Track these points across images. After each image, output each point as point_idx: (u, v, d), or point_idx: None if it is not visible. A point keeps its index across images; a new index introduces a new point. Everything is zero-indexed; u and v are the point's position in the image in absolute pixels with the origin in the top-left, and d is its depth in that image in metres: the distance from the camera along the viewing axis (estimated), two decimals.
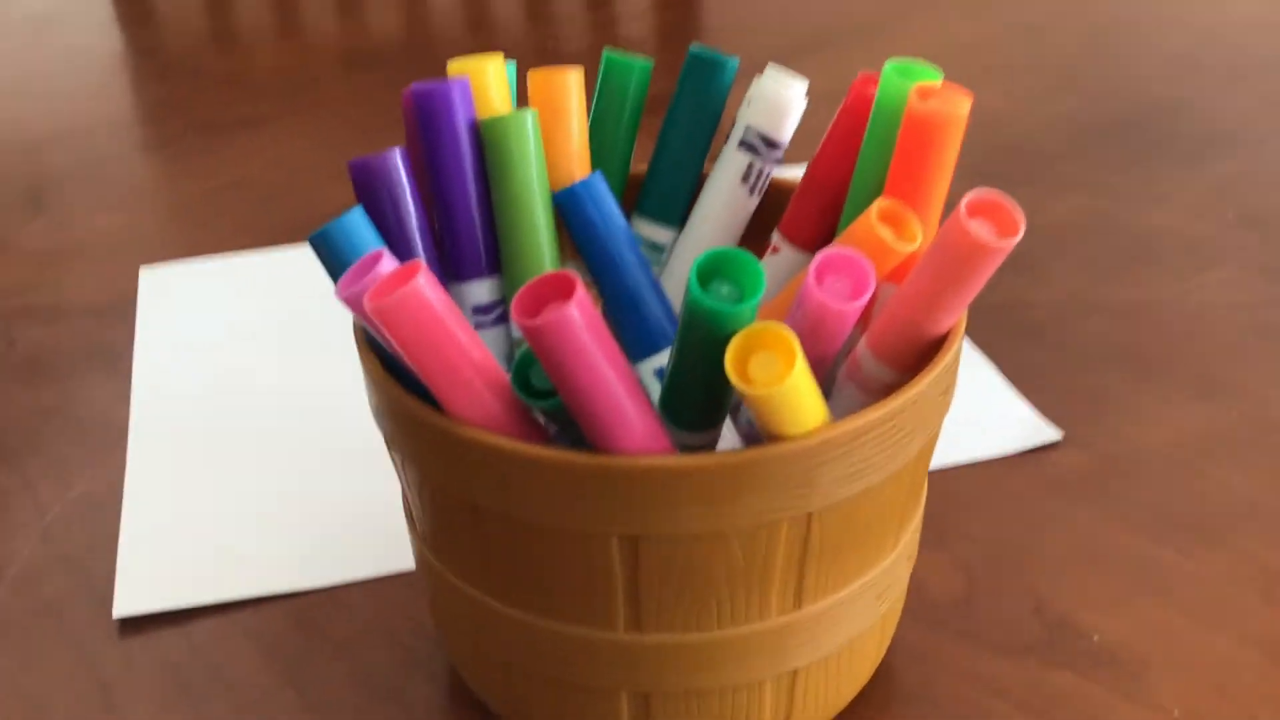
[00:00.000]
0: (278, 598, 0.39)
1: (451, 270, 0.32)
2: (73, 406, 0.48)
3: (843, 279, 0.27)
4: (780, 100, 0.34)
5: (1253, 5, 0.77)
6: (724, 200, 0.35)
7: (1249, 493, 0.41)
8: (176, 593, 0.39)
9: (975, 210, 0.27)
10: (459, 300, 0.32)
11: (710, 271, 0.25)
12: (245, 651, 0.37)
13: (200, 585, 0.39)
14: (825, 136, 0.33)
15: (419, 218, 0.31)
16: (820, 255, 0.27)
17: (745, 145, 0.34)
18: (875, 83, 0.32)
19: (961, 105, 0.29)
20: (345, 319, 0.51)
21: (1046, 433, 0.44)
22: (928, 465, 0.31)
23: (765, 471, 0.26)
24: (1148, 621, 0.36)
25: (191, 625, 0.38)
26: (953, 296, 0.28)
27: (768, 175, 0.35)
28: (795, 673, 0.31)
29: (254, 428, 0.46)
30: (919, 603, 0.37)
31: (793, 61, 0.74)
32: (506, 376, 0.27)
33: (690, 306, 0.25)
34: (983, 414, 0.45)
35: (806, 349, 0.27)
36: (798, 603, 0.29)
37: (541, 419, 0.28)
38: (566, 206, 0.31)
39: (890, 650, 0.35)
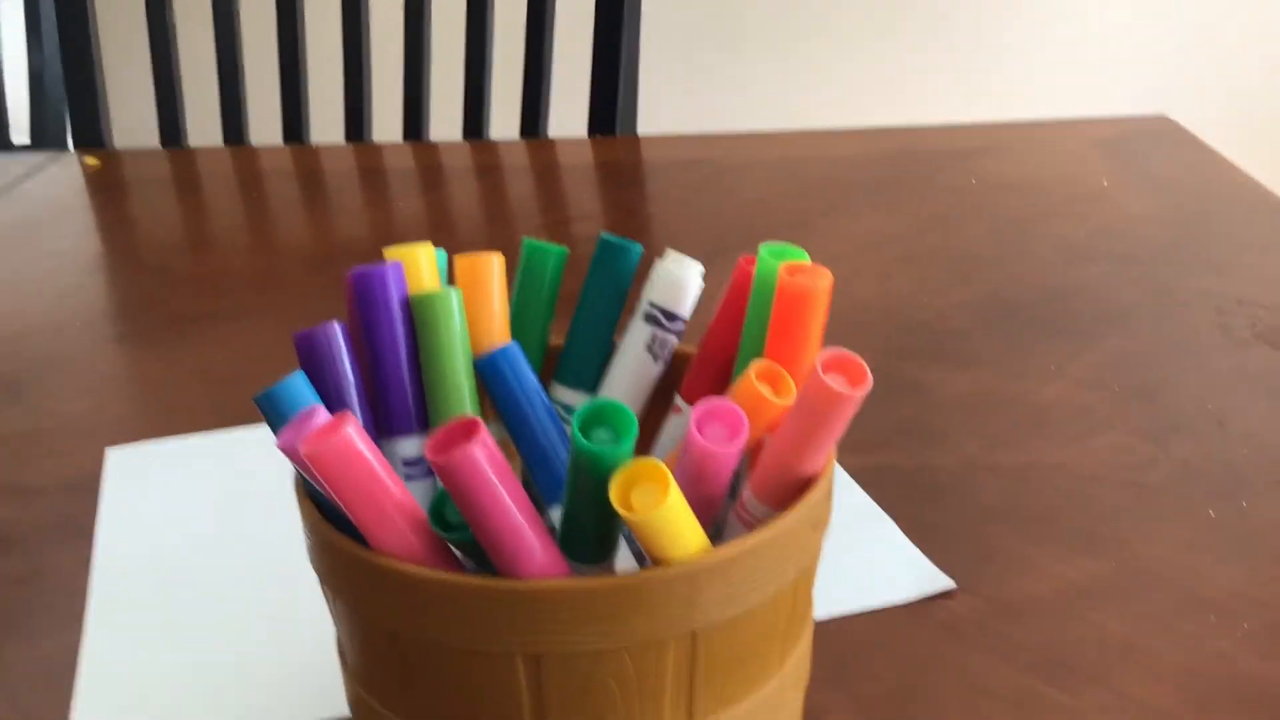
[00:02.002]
0: None
1: (384, 427, 0.36)
2: (39, 576, 0.51)
3: (720, 426, 0.32)
4: (677, 279, 0.38)
5: (1141, 203, 0.84)
6: (631, 367, 0.39)
7: (1125, 635, 0.45)
8: None
9: (830, 366, 0.31)
10: (391, 455, 0.36)
11: (591, 420, 0.29)
12: None
13: None
14: (717, 311, 0.38)
15: (355, 382, 0.35)
16: (699, 405, 0.31)
17: (649, 318, 0.39)
18: (754, 263, 0.37)
19: (823, 279, 0.34)
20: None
21: (941, 581, 0.48)
22: (809, 593, 0.35)
23: (651, 591, 0.29)
24: None
25: None
26: (817, 440, 0.32)
27: (670, 345, 0.39)
28: None
29: (205, 590, 0.49)
30: None
31: (724, 256, 0.80)
32: (425, 515, 0.31)
33: (575, 450, 0.29)
34: (883, 565, 0.49)
35: (693, 489, 0.31)
36: None
37: (457, 553, 0.32)
38: (486, 371, 0.36)
39: None
